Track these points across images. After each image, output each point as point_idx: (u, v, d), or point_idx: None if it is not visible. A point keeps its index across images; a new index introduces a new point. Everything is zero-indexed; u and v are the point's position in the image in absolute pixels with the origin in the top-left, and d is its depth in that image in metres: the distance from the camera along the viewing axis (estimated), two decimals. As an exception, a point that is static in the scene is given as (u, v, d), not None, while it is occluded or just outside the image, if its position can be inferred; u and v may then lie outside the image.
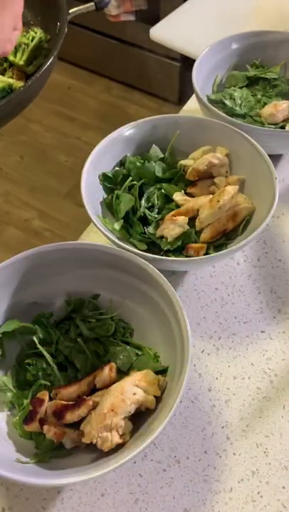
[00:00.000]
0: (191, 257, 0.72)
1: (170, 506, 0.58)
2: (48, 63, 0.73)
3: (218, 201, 0.72)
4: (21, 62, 0.80)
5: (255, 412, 0.65)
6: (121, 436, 0.55)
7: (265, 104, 0.94)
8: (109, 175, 0.80)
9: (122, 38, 2.44)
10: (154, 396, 0.57)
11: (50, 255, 0.65)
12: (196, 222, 0.75)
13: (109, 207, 0.79)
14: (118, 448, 0.55)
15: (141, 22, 2.24)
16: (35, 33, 0.81)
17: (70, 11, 0.81)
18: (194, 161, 0.81)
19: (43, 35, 0.81)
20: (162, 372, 0.61)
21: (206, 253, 0.74)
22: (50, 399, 0.58)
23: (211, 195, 0.76)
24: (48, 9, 0.82)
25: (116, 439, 0.54)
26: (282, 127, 0.91)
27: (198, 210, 0.76)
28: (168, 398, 0.56)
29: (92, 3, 0.84)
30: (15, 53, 0.79)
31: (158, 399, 0.58)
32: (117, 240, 0.68)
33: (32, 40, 0.79)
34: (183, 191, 0.81)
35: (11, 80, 0.79)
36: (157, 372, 0.60)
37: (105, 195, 0.80)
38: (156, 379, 0.58)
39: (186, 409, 0.65)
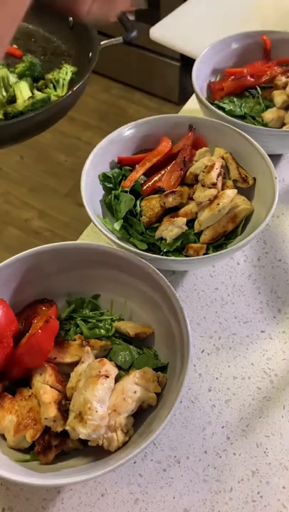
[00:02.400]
0: (191, 256, 0.72)
1: (170, 506, 0.58)
2: (81, 83, 0.86)
3: (218, 204, 0.72)
4: (62, 95, 0.93)
5: (256, 412, 0.65)
6: (126, 433, 0.55)
7: (267, 106, 0.94)
8: (109, 175, 0.80)
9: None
10: (155, 393, 0.57)
11: (50, 255, 0.65)
12: (195, 224, 0.75)
13: (109, 207, 0.79)
14: (119, 447, 0.55)
15: (141, 22, 2.24)
16: (67, 68, 0.97)
17: (102, 43, 0.94)
18: (192, 163, 0.81)
19: (74, 69, 0.98)
20: (162, 369, 0.61)
21: (206, 253, 0.74)
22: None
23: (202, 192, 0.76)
24: (82, 41, 0.98)
25: (122, 437, 0.54)
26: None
27: (196, 213, 0.76)
28: (168, 396, 0.56)
29: (120, 38, 0.97)
30: (55, 88, 0.95)
31: (159, 395, 0.58)
32: (117, 240, 0.68)
33: (67, 74, 0.96)
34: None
35: (49, 90, 0.94)
36: (157, 369, 0.60)
37: (105, 195, 0.80)
38: (155, 376, 0.58)
39: (186, 409, 0.65)
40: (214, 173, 0.75)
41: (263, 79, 0.95)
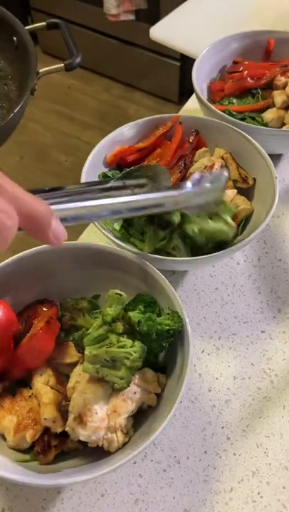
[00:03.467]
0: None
1: (170, 506, 0.58)
2: (20, 106, 0.82)
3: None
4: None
5: (256, 412, 0.65)
6: (126, 434, 0.55)
7: (267, 108, 0.95)
8: (109, 175, 0.80)
9: (122, 38, 2.44)
10: (155, 393, 0.57)
11: (50, 255, 0.65)
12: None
13: (109, 207, 0.79)
14: (119, 448, 0.55)
15: (141, 22, 2.25)
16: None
17: (40, 70, 0.89)
18: (192, 163, 0.81)
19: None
20: (162, 369, 0.61)
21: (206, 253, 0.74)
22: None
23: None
24: (24, 64, 0.91)
25: (122, 438, 0.54)
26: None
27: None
28: (168, 396, 0.56)
29: (61, 65, 0.91)
30: None
31: (159, 396, 0.58)
32: (117, 240, 0.68)
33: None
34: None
35: None
36: (157, 370, 0.60)
37: (105, 195, 0.80)
38: (155, 376, 0.58)
39: (186, 410, 0.65)
40: None
41: (263, 81, 0.95)
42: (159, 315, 0.62)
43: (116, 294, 0.58)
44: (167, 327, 0.56)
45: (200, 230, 0.68)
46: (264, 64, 1.00)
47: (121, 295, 0.59)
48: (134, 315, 0.58)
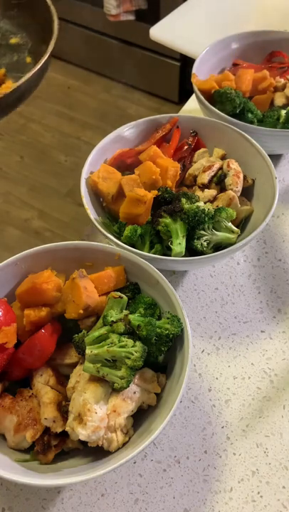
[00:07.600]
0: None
1: (170, 506, 0.58)
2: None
3: (218, 205, 0.73)
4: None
5: (255, 412, 0.65)
6: (126, 434, 0.55)
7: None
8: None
9: (122, 38, 2.44)
10: (155, 393, 0.57)
11: (50, 255, 0.65)
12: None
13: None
14: (119, 447, 0.55)
15: (141, 22, 2.25)
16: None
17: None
18: (192, 164, 0.81)
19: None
20: (162, 369, 0.61)
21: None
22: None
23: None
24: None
25: (121, 438, 0.54)
26: (284, 127, 0.91)
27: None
28: (168, 397, 0.56)
29: None
30: None
31: (159, 395, 0.58)
32: (116, 240, 0.68)
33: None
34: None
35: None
36: (156, 370, 0.60)
37: (105, 195, 0.80)
38: (155, 376, 0.58)
39: (186, 409, 0.65)
40: (208, 174, 0.75)
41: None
42: (159, 317, 0.62)
43: (117, 296, 0.58)
44: (167, 331, 0.56)
45: (208, 243, 0.69)
46: (263, 66, 0.99)
47: (122, 297, 0.59)
48: (134, 318, 0.58)
